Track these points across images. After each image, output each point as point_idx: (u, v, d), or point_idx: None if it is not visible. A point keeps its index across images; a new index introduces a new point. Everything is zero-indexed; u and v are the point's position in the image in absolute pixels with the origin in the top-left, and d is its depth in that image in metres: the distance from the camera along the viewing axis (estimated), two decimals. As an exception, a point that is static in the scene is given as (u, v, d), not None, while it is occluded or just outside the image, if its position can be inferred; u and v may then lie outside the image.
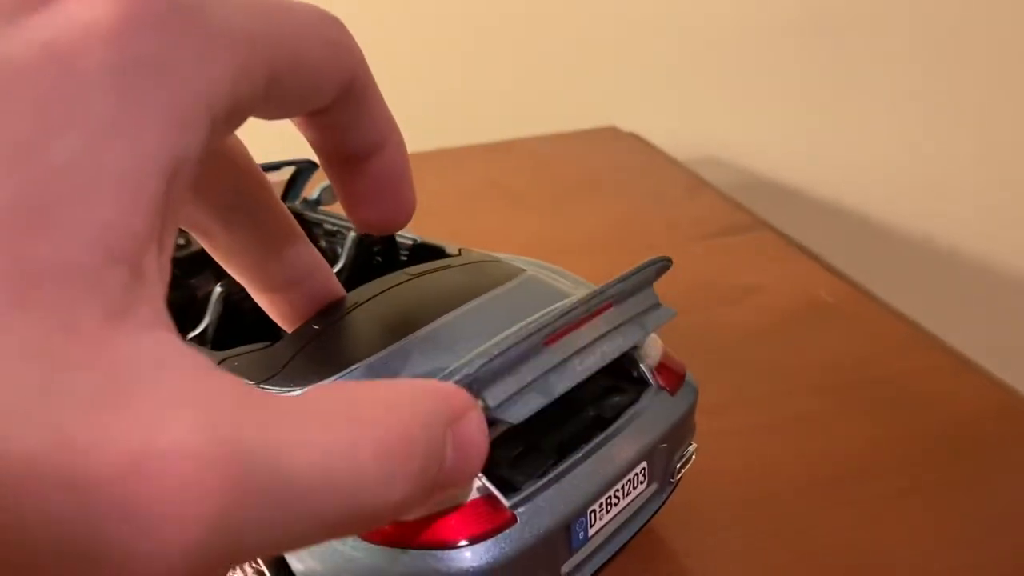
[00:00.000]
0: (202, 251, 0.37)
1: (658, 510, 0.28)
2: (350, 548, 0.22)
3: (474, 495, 0.22)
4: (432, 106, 0.81)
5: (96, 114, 0.11)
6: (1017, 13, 0.80)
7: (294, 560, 0.24)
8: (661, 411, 0.27)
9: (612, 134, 0.78)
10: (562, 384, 0.23)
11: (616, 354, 0.25)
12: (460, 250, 0.34)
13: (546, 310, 0.26)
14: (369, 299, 0.28)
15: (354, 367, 0.24)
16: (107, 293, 0.11)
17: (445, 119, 0.81)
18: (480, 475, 0.22)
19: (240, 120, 0.15)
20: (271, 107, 0.16)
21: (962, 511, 0.32)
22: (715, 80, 0.84)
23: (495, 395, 0.21)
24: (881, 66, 0.84)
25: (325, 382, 0.24)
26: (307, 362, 0.25)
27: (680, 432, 0.28)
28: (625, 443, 0.25)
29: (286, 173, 0.41)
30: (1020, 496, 0.33)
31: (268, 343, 0.27)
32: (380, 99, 0.19)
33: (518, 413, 0.21)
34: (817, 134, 0.86)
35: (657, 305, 0.27)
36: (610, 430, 0.25)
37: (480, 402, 0.21)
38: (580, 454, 0.24)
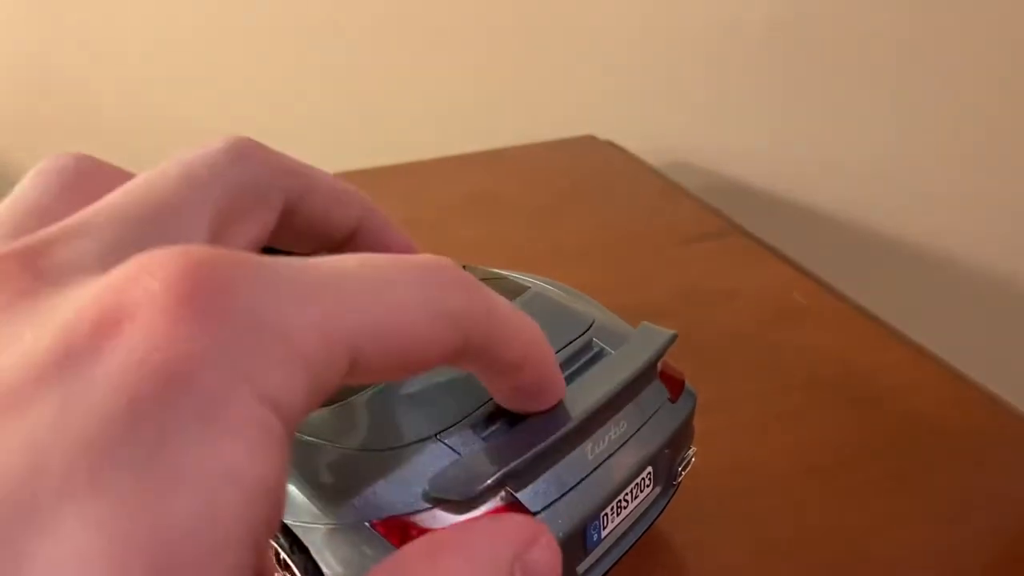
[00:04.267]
0: None
1: (662, 511, 0.30)
2: (384, 556, 0.24)
3: (499, 503, 0.24)
4: (411, 119, 0.82)
5: (193, 463, 0.11)
6: (990, 17, 0.84)
7: (325, 567, 0.25)
8: (664, 419, 0.29)
9: (590, 142, 0.80)
10: (576, 475, 0.26)
11: (620, 443, 0.27)
12: (465, 267, 0.35)
13: (575, 417, 0.26)
14: None
15: (360, 393, 0.26)
16: None
17: (423, 131, 0.82)
18: (508, 488, 0.24)
19: (324, 397, 0.14)
20: (361, 378, 0.15)
21: (932, 494, 0.35)
22: (690, 86, 0.87)
23: (519, 486, 0.24)
24: (852, 70, 0.87)
25: (343, 402, 0.26)
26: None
27: (681, 437, 0.30)
28: (632, 451, 0.28)
29: None
30: (977, 478, 0.36)
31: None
32: (510, 331, 0.18)
33: (537, 504, 0.24)
34: (790, 138, 0.89)
35: (654, 380, 0.29)
36: (615, 449, 0.27)
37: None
38: (592, 464, 0.26)
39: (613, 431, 0.27)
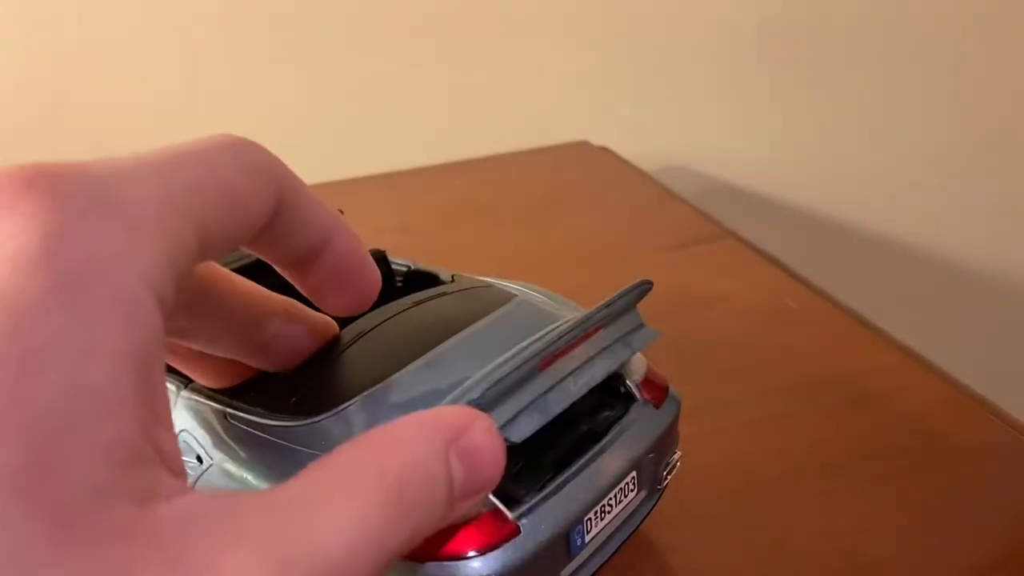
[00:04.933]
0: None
1: (648, 515, 0.30)
2: None
3: (482, 510, 0.24)
4: (402, 125, 0.83)
5: (57, 342, 0.12)
6: (982, 21, 0.84)
7: None
8: (647, 424, 0.29)
9: (583, 148, 0.81)
10: (559, 404, 0.25)
11: (606, 373, 0.27)
12: (453, 276, 0.36)
13: (540, 334, 0.28)
14: (372, 328, 0.30)
15: (354, 400, 0.26)
16: (132, 493, 0.12)
17: (416, 139, 0.83)
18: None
19: (184, 279, 0.15)
20: (207, 255, 0.16)
21: (919, 497, 0.35)
22: (683, 91, 0.87)
23: (497, 417, 0.23)
24: (844, 74, 0.87)
25: (331, 414, 0.26)
26: (314, 392, 0.27)
27: (665, 442, 0.30)
28: (616, 455, 0.28)
29: None
30: (964, 481, 0.36)
31: (279, 373, 0.28)
32: (313, 199, 0.19)
33: (520, 432, 0.24)
34: (783, 142, 0.89)
35: (641, 326, 0.30)
36: (602, 443, 0.28)
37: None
38: (575, 467, 0.26)
39: (598, 365, 0.27)
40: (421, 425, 0.16)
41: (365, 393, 0.26)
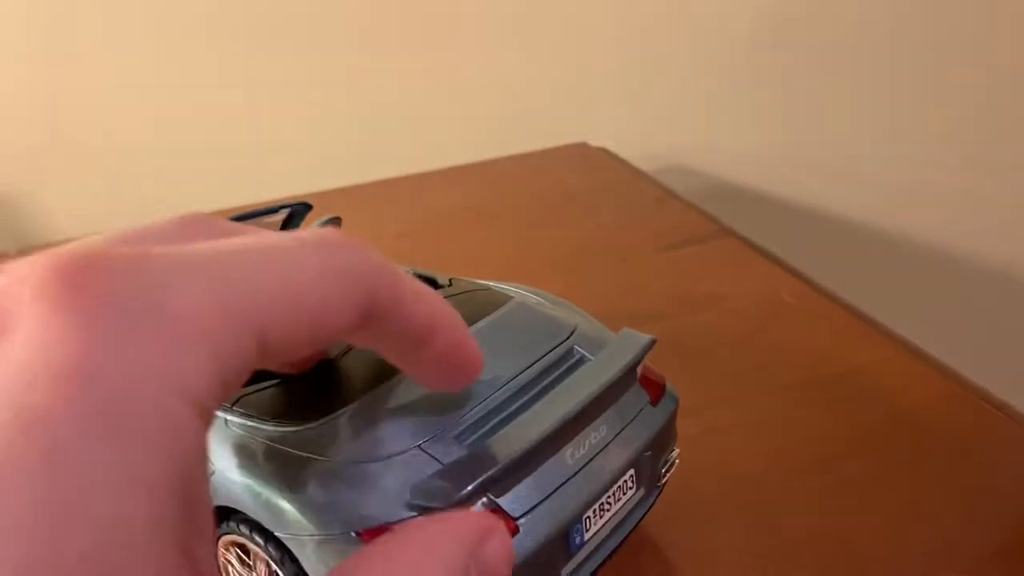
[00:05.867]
0: None
1: (647, 512, 0.31)
2: None
3: (482, 510, 0.25)
4: (400, 131, 0.83)
5: (96, 475, 0.11)
6: (978, 18, 0.84)
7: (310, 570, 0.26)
8: (645, 422, 0.30)
9: (582, 150, 0.81)
10: (557, 479, 0.26)
11: (602, 447, 0.28)
12: (451, 280, 0.36)
13: (552, 419, 0.26)
14: None
15: (348, 406, 0.27)
16: None
17: (415, 143, 0.83)
18: (487, 501, 0.25)
19: (242, 381, 0.14)
20: (274, 358, 0.15)
21: (917, 492, 0.35)
22: (680, 90, 0.87)
23: (495, 490, 0.25)
24: (841, 71, 0.87)
25: (328, 419, 0.26)
26: (313, 399, 0.28)
27: (663, 440, 0.31)
28: (614, 454, 0.28)
29: (281, 214, 0.43)
30: (963, 474, 0.36)
31: (279, 379, 0.29)
32: (414, 297, 0.18)
33: (517, 509, 0.25)
34: (782, 139, 0.90)
35: (634, 384, 0.30)
36: (599, 442, 0.28)
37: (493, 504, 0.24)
38: (574, 466, 0.27)
39: (593, 435, 0.28)
40: (447, 531, 0.16)
41: (360, 400, 0.27)
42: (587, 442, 0.27)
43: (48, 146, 0.77)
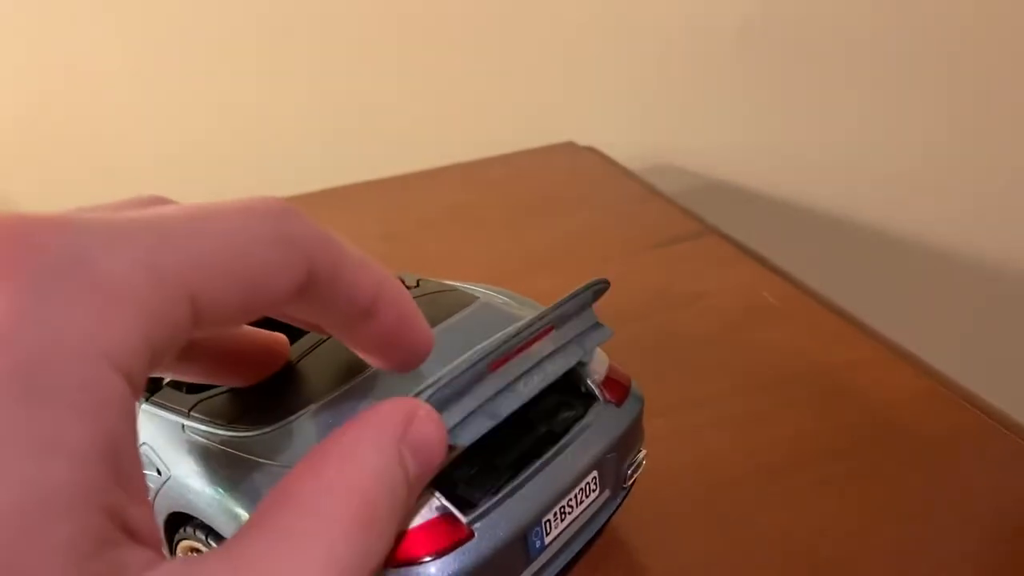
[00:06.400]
0: None
1: (613, 514, 0.30)
2: None
3: (433, 514, 0.24)
4: (385, 132, 0.83)
5: (13, 439, 0.11)
6: (961, 15, 0.84)
7: None
8: (608, 423, 0.29)
9: (569, 149, 0.81)
10: (508, 406, 0.25)
11: (557, 374, 0.27)
12: (419, 281, 0.36)
13: (491, 338, 0.28)
14: (327, 338, 0.30)
15: (306, 410, 0.26)
16: None
17: (399, 144, 0.83)
18: (438, 495, 0.24)
19: (174, 349, 0.14)
20: (209, 327, 0.14)
21: (897, 492, 0.35)
22: (667, 88, 0.87)
23: (446, 420, 0.23)
24: (826, 69, 0.87)
25: (284, 423, 0.26)
26: (270, 403, 0.27)
27: (628, 441, 0.30)
28: (575, 455, 0.28)
29: None
30: (943, 475, 0.36)
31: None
32: (357, 266, 0.17)
33: (467, 437, 0.24)
34: (770, 137, 0.89)
35: (597, 325, 0.29)
36: (560, 444, 0.28)
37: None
38: (532, 469, 0.26)
39: (549, 366, 0.27)
40: (368, 427, 0.16)
41: (317, 403, 0.26)
42: (542, 372, 0.26)
43: (45, 153, 0.77)
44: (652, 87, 0.87)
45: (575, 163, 0.78)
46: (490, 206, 0.69)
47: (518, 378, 0.26)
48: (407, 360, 0.21)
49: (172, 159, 0.80)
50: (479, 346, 0.27)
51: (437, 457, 0.17)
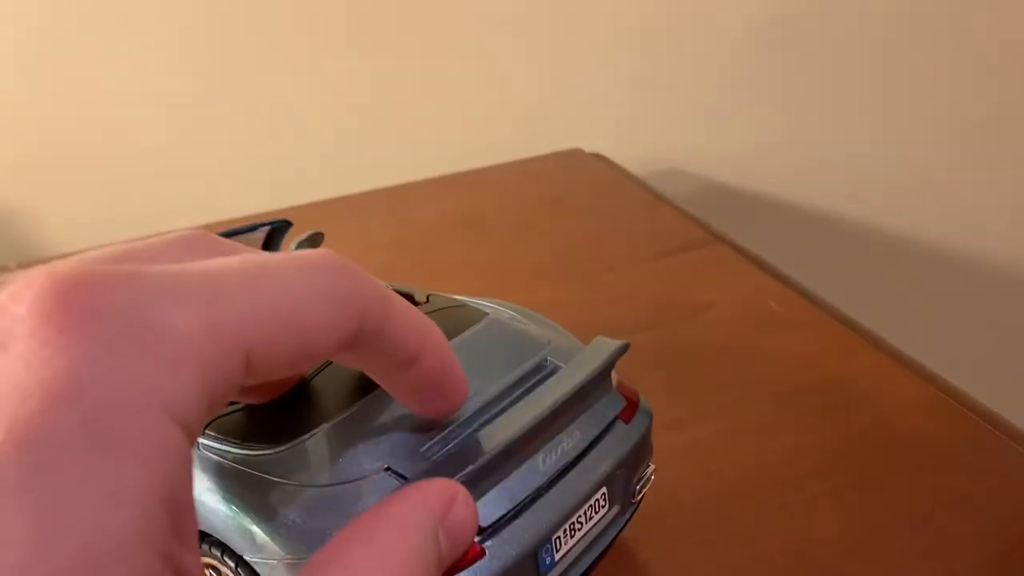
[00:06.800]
0: None
1: (622, 529, 0.31)
2: None
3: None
4: (391, 140, 0.83)
5: (82, 486, 0.12)
6: (969, 16, 0.83)
7: None
8: (617, 440, 0.30)
9: (577, 156, 0.81)
10: (526, 487, 0.26)
11: (575, 453, 0.28)
12: (428, 296, 0.36)
13: (520, 421, 0.26)
14: None
15: (319, 428, 0.27)
16: None
17: (405, 152, 0.83)
18: None
19: (228, 398, 0.15)
20: (260, 377, 0.15)
21: (901, 504, 0.35)
22: (675, 94, 0.87)
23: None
24: (835, 73, 0.87)
25: (297, 443, 0.26)
26: (283, 422, 0.28)
27: (637, 456, 0.30)
28: (585, 472, 0.28)
29: (261, 232, 0.43)
30: (947, 483, 0.36)
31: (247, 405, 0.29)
32: (402, 320, 0.18)
33: (487, 518, 0.25)
34: (779, 142, 0.89)
35: (611, 393, 0.30)
36: (569, 462, 0.28)
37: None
38: (542, 487, 0.27)
39: (566, 441, 0.27)
40: (415, 506, 0.16)
41: (330, 422, 0.27)
42: (560, 448, 0.27)
43: (44, 158, 0.78)
44: (661, 92, 0.87)
45: (582, 170, 0.78)
46: (496, 214, 0.69)
47: (536, 454, 0.26)
48: (444, 407, 0.22)
49: (176, 173, 0.80)
50: (509, 430, 0.26)
51: (467, 542, 0.18)
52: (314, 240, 0.43)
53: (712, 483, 0.37)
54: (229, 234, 0.40)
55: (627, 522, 0.31)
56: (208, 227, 0.24)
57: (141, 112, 0.78)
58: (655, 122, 0.88)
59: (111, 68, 0.75)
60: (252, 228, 0.41)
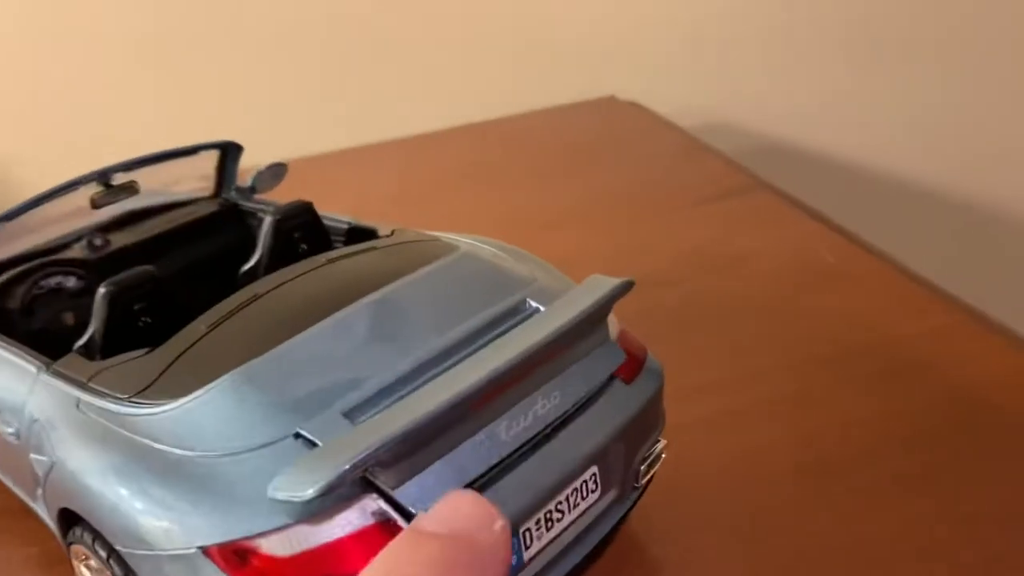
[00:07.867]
0: (120, 249, 0.34)
1: (621, 521, 0.24)
2: None
3: (369, 520, 0.18)
4: (417, 88, 0.78)
5: None
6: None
7: None
8: (614, 404, 0.23)
9: (609, 104, 0.74)
10: (481, 461, 0.20)
11: (552, 418, 0.21)
12: (394, 231, 0.30)
13: (476, 374, 0.20)
14: (269, 291, 0.24)
15: (223, 377, 0.21)
16: None
17: (432, 101, 0.78)
18: (378, 497, 0.18)
19: None
20: None
21: (979, 495, 0.28)
22: (720, 40, 0.80)
23: (391, 479, 0.19)
24: (893, 24, 0.79)
25: (202, 391, 0.21)
26: (186, 368, 0.22)
27: (641, 428, 0.24)
28: (567, 446, 0.22)
29: (206, 158, 0.38)
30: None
31: (151, 348, 0.23)
32: None
33: (423, 500, 0.19)
34: (827, 94, 0.82)
35: (609, 345, 0.23)
36: (544, 429, 0.21)
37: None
38: (506, 462, 0.20)
39: (541, 403, 0.21)
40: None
41: (244, 365, 0.21)
42: (531, 412, 0.21)
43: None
44: (706, 43, 0.80)
45: (614, 118, 0.72)
46: (514, 163, 0.63)
47: (498, 419, 0.20)
48: None
49: (189, 120, 0.76)
50: (456, 387, 0.20)
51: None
52: (275, 172, 0.37)
53: (742, 467, 0.30)
54: (167, 155, 0.35)
55: (627, 513, 0.24)
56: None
57: (152, 64, 0.74)
58: (699, 73, 0.81)
59: (114, 25, 0.71)
60: (193, 150, 0.36)
